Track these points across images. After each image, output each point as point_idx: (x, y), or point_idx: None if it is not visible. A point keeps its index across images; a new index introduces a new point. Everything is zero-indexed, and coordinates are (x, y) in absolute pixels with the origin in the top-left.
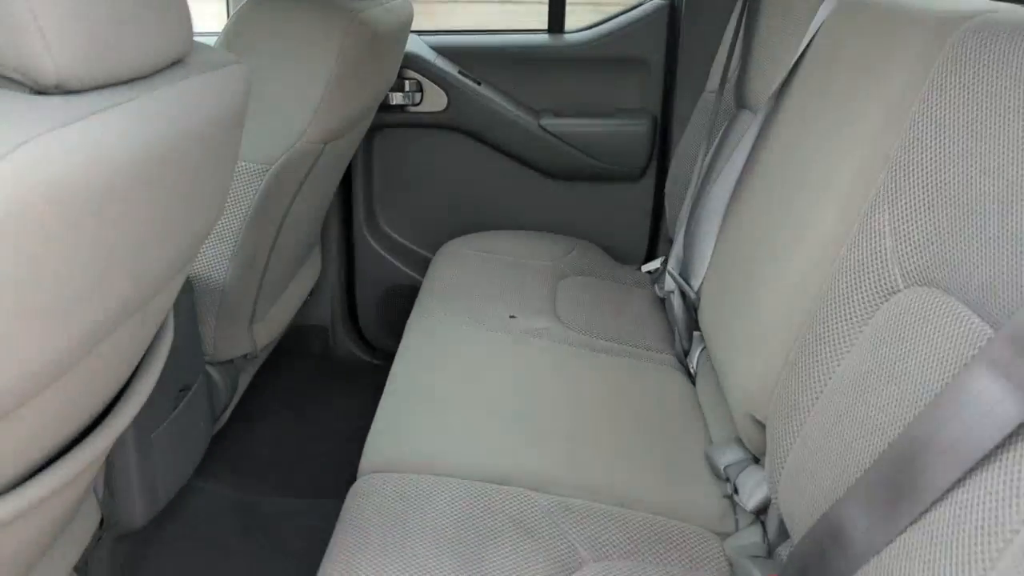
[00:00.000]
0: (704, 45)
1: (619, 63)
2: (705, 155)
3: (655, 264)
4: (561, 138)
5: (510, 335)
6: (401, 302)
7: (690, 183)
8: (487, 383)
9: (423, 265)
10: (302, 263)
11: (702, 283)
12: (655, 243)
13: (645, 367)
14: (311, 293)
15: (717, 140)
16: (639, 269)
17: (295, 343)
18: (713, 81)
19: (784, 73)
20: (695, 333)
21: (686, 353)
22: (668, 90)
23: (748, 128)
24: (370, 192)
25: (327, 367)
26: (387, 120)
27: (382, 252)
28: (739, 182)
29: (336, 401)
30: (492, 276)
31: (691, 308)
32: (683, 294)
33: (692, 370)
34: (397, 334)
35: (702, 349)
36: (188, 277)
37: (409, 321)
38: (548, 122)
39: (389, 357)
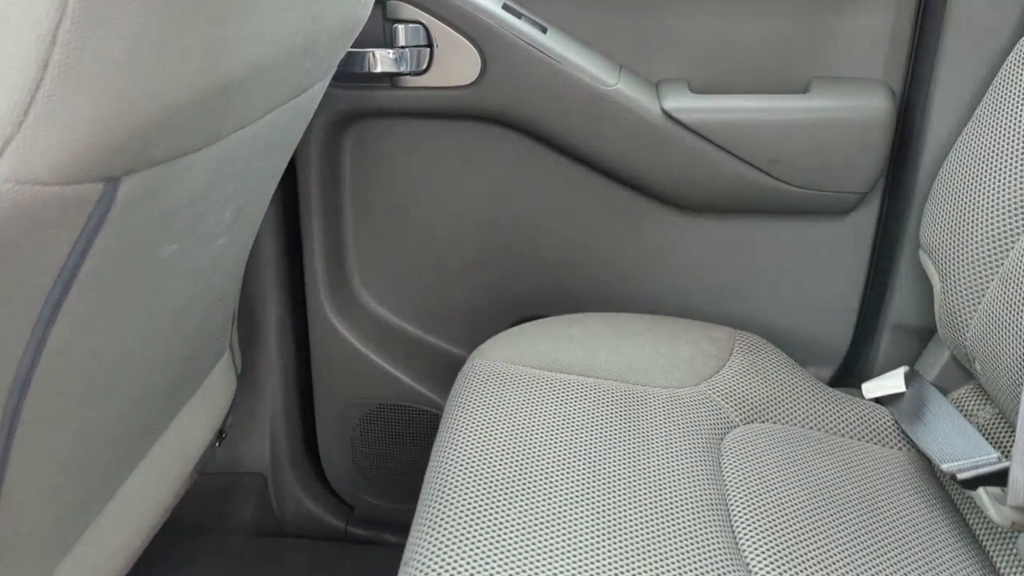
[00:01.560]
0: None
1: None
2: None
3: (895, 382)
4: (703, 135)
5: None
6: (394, 437)
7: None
8: None
9: (442, 373)
10: (174, 408)
11: None
12: (871, 329)
13: None
14: (221, 437)
15: None
16: (847, 385)
17: (202, 511)
18: None
19: None
20: None
21: None
22: (923, 39)
23: None
24: (338, 238)
25: (265, 552)
26: (366, 103)
27: (360, 348)
28: None
29: None
30: (583, 436)
31: None
32: None
33: None
34: (385, 488)
35: None
36: None
37: (404, 556)
38: (678, 105)
39: (374, 526)
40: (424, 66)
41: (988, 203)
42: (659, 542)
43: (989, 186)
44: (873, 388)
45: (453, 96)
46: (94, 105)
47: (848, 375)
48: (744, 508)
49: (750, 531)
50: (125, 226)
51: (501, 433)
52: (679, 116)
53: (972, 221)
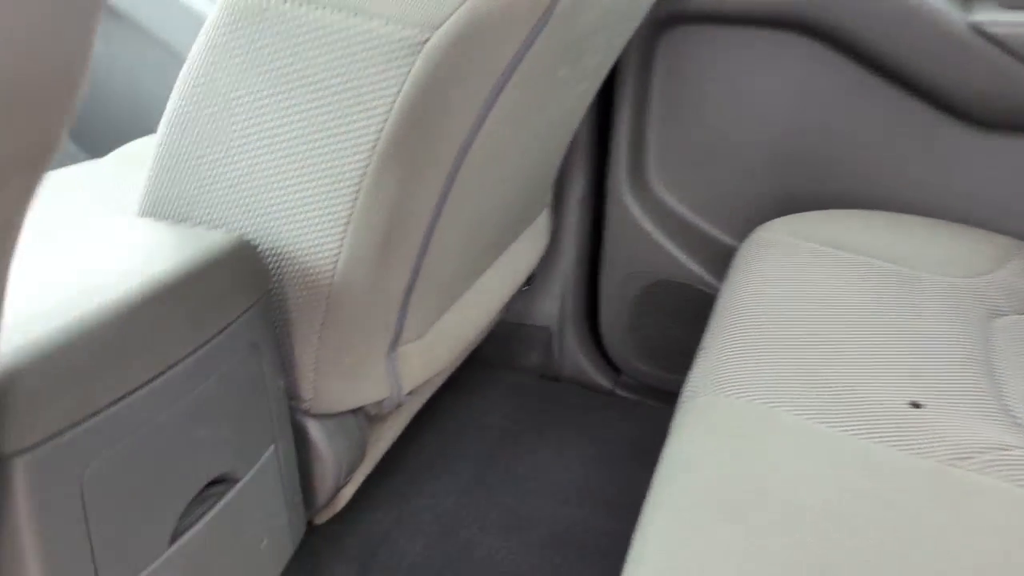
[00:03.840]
0: None
1: None
2: None
3: None
4: (1014, 52)
5: (925, 464)
6: (668, 310)
7: None
8: None
9: (716, 258)
10: (514, 232)
11: None
12: None
13: None
14: (528, 282)
15: None
16: None
17: (499, 351)
18: None
19: None
20: None
21: None
22: None
23: None
24: (641, 132)
25: (545, 393)
26: (684, 8)
27: (648, 229)
28: None
29: (551, 448)
30: (858, 299)
31: None
32: None
33: None
34: (654, 356)
35: None
36: (253, 262)
37: (686, 388)
38: (990, 17)
39: (639, 390)
40: None
41: None
42: (927, 379)
43: None
44: None
45: (768, 8)
46: None
47: None
48: (1010, 366)
49: (1017, 378)
50: (547, 42)
51: (778, 294)
52: (991, 31)
53: None
